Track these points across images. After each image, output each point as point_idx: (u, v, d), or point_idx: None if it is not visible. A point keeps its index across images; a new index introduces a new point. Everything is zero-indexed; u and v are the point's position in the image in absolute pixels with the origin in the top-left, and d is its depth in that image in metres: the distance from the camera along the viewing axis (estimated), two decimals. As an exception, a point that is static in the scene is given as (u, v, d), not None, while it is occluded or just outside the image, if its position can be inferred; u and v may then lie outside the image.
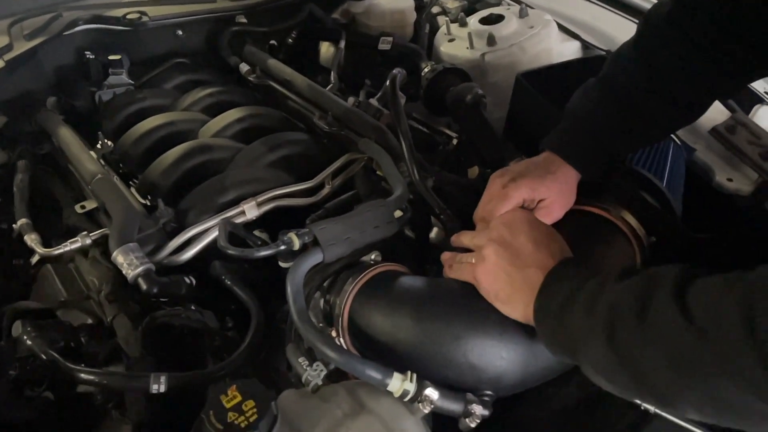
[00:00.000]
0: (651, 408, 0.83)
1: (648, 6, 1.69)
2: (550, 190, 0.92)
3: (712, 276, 0.57)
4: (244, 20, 1.81)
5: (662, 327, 0.57)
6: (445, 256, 0.92)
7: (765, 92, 1.41)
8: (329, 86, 1.57)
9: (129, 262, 0.95)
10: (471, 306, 0.80)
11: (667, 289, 0.58)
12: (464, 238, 0.90)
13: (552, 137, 0.98)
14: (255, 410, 0.66)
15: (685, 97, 0.91)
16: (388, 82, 1.25)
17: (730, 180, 1.18)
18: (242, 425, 0.65)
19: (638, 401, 0.64)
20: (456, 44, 1.64)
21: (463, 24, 1.68)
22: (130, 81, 1.59)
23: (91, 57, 1.55)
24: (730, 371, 0.52)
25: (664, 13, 0.89)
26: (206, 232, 1.05)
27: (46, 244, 1.11)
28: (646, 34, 0.93)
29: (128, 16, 1.63)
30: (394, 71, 1.27)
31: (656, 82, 0.90)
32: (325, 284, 0.91)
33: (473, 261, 0.83)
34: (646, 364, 0.59)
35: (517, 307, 0.76)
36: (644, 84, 0.91)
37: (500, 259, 0.79)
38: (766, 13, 0.80)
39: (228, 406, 0.66)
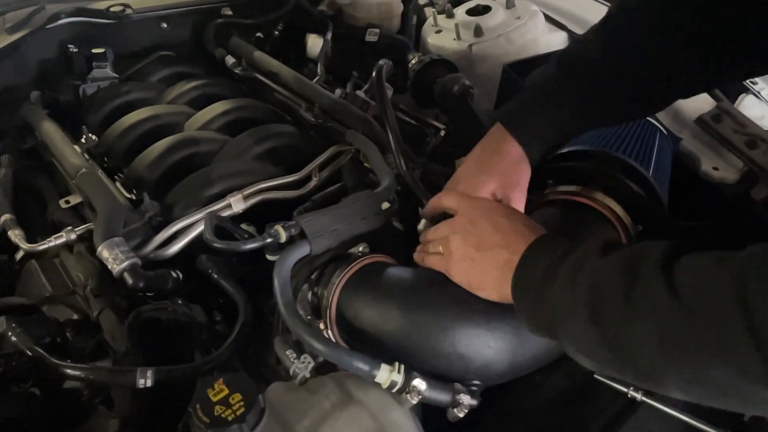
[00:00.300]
0: (638, 396, 0.83)
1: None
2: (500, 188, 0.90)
3: (701, 253, 0.56)
4: (230, 12, 1.80)
5: (648, 304, 0.56)
6: (419, 248, 0.90)
7: (750, 82, 1.41)
8: (316, 78, 1.56)
9: (114, 257, 0.94)
10: (458, 296, 0.80)
11: (654, 265, 0.57)
12: (429, 234, 0.88)
13: (504, 109, 0.95)
14: (242, 403, 0.66)
15: (647, 87, 0.87)
16: (374, 73, 1.24)
17: (716, 169, 1.19)
18: (229, 418, 0.64)
19: (620, 378, 0.63)
20: (443, 35, 1.64)
21: (450, 15, 1.67)
22: (115, 74, 1.57)
23: (74, 50, 1.53)
24: (720, 352, 0.50)
25: None
26: (192, 225, 1.05)
27: (30, 239, 1.10)
28: (616, 13, 0.88)
29: (112, 9, 1.61)
30: (380, 62, 1.27)
31: (619, 65, 0.85)
32: (312, 276, 0.91)
33: (440, 250, 0.83)
34: (630, 341, 0.57)
35: (491, 290, 0.76)
36: (606, 66, 0.86)
37: (466, 248, 0.79)
38: None
39: (215, 399, 0.66)
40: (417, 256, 0.89)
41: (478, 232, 0.78)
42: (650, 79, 0.86)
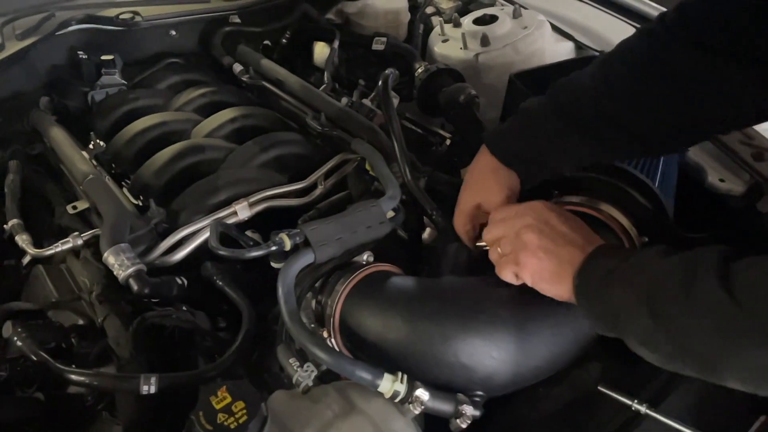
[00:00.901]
0: (642, 408, 0.83)
1: (640, 6, 1.71)
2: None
3: (756, 256, 0.60)
4: (238, 20, 1.80)
5: (705, 299, 0.60)
6: (493, 255, 0.87)
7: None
8: (322, 86, 1.57)
9: (120, 263, 0.94)
10: (462, 306, 0.80)
11: (710, 263, 0.61)
12: (492, 233, 0.87)
13: (494, 137, 0.98)
14: (245, 411, 0.66)
15: (648, 132, 0.86)
16: (380, 82, 1.25)
17: (722, 180, 1.18)
18: (232, 426, 0.64)
19: (682, 371, 0.65)
20: (450, 45, 1.64)
21: (457, 24, 1.68)
22: (123, 81, 1.58)
23: (83, 57, 1.54)
24: None
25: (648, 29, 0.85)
26: (198, 232, 1.05)
27: (37, 244, 1.11)
28: (615, 53, 0.88)
29: (121, 16, 1.62)
30: (386, 71, 1.27)
31: (612, 108, 0.85)
32: (316, 285, 0.91)
33: (501, 251, 0.83)
34: (689, 334, 0.62)
35: (564, 285, 0.76)
36: (599, 108, 0.86)
37: (541, 240, 0.79)
38: None
39: (218, 407, 0.66)
40: (492, 256, 0.86)
41: (552, 226, 0.80)
42: (651, 125, 0.86)
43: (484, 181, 0.97)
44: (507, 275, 0.82)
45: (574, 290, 0.74)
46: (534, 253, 0.78)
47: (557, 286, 0.77)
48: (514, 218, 0.83)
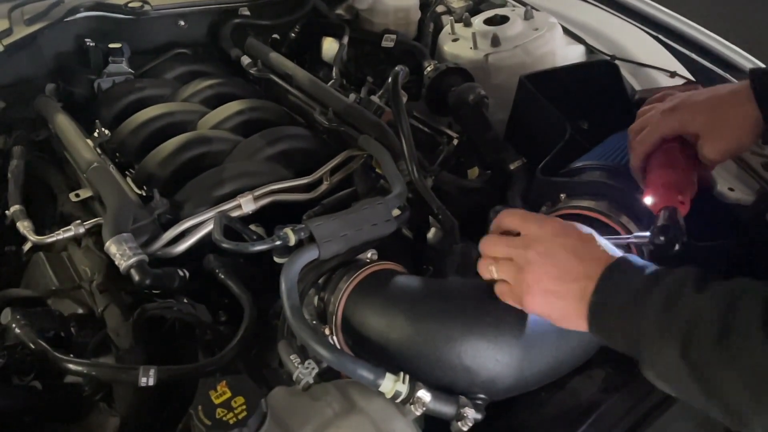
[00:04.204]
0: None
1: (652, 11, 1.69)
2: (704, 126, 0.86)
3: None
4: (248, 12, 1.80)
5: (745, 350, 0.57)
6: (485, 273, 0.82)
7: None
8: (331, 82, 1.56)
9: (122, 253, 0.94)
10: (466, 307, 0.79)
11: (754, 311, 0.58)
12: (491, 249, 0.81)
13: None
14: (244, 407, 0.65)
15: None
16: (390, 80, 1.24)
17: (731, 189, 1.17)
18: (231, 422, 0.64)
19: (701, 409, 0.63)
20: (460, 44, 1.63)
21: (468, 24, 1.67)
22: (130, 70, 1.57)
23: (91, 44, 1.54)
24: None
25: None
26: (201, 224, 1.04)
27: (39, 231, 1.10)
28: None
29: (130, 5, 1.62)
30: (396, 69, 1.26)
31: None
32: (319, 281, 0.90)
33: (498, 274, 0.79)
34: (721, 382, 0.59)
35: (576, 320, 0.72)
36: None
37: (546, 280, 0.73)
38: None
39: (217, 402, 0.65)
40: (483, 271, 0.81)
41: (556, 262, 0.73)
42: None
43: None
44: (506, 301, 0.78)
45: (588, 312, 0.70)
46: (538, 295, 0.74)
47: (571, 324, 0.73)
48: (517, 245, 0.77)
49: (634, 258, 0.72)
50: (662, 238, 0.83)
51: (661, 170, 0.90)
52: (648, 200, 0.88)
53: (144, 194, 1.16)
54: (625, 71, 1.44)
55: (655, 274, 0.68)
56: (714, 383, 0.60)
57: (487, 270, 0.80)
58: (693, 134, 0.88)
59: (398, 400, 0.73)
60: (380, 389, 0.72)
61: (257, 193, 1.10)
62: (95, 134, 1.30)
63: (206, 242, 1.02)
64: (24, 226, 1.10)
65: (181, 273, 0.99)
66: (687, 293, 0.63)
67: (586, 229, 0.77)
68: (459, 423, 0.74)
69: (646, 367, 0.67)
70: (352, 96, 1.40)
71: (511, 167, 1.21)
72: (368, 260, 0.91)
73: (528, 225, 0.78)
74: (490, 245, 0.81)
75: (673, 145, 0.92)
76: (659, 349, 0.64)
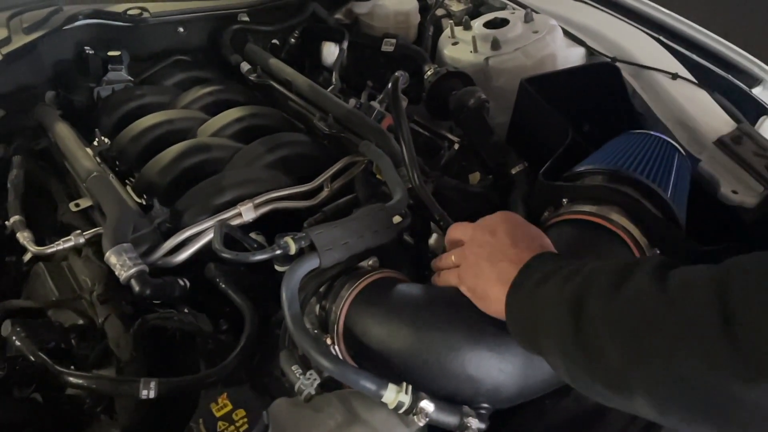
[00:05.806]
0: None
1: (653, 12, 1.69)
2: None
3: (696, 264, 0.58)
4: (247, 18, 1.79)
5: (634, 296, 0.58)
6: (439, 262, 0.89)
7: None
8: (330, 87, 1.55)
9: (122, 263, 0.93)
10: (469, 316, 0.78)
11: (649, 265, 0.59)
12: (445, 260, 0.88)
13: None
14: (245, 420, 0.65)
15: None
16: (390, 85, 1.23)
17: (735, 192, 1.16)
18: (232, 435, 0.63)
19: (588, 385, 0.62)
20: (460, 48, 1.62)
21: (468, 27, 1.66)
22: (130, 77, 1.57)
23: (90, 52, 1.53)
24: (692, 342, 0.52)
25: None
26: (202, 233, 1.04)
27: (39, 241, 1.10)
28: None
29: (129, 12, 1.61)
30: (396, 74, 1.25)
31: None
32: (321, 290, 0.89)
33: (453, 260, 0.84)
34: (604, 337, 0.58)
35: (492, 302, 0.75)
36: None
37: (478, 256, 0.78)
38: None
39: (218, 414, 0.65)
40: (434, 276, 0.88)
41: (495, 242, 0.78)
42: None
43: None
44: (449, 282, 0.83)
45: (505, 306, 0.72)
46: (469, 268, 0.78)
47: (485, 302, 0.76)
48: (462, 233, 0.84)
49: (560, 254, 0.75)
50: None
51: None
52: None
53: (144, 203, 1.16)
54: (626, 73, 1.44)
55: (562, 263, 0.70)
56: (596, 340, 0.59)
57: (449, 281, 0.84)
58: None
59: (401, 411, 0.72)
60: (383, 400, 0.71)
61: (257, 201, 1.10)
62: (95, 143, 1.29)
63: (207, 251, 1.02)
64: (24, 237, 1.09)
65: (181, 282, 0.98)
66: (588, 265, 0.65)
67: (536, 228, 0.82)
68: (463, 433, 0.74)
69: (547, 353, 0.67)
70: (352, 101, 1.40)
71: (513, 171, 1.21)
72: (369, 268, 0.91)
73: (470, 229, 0.84)
74: (443, 262, 0.87)
75: None
76: (551, 315, 0.64)
